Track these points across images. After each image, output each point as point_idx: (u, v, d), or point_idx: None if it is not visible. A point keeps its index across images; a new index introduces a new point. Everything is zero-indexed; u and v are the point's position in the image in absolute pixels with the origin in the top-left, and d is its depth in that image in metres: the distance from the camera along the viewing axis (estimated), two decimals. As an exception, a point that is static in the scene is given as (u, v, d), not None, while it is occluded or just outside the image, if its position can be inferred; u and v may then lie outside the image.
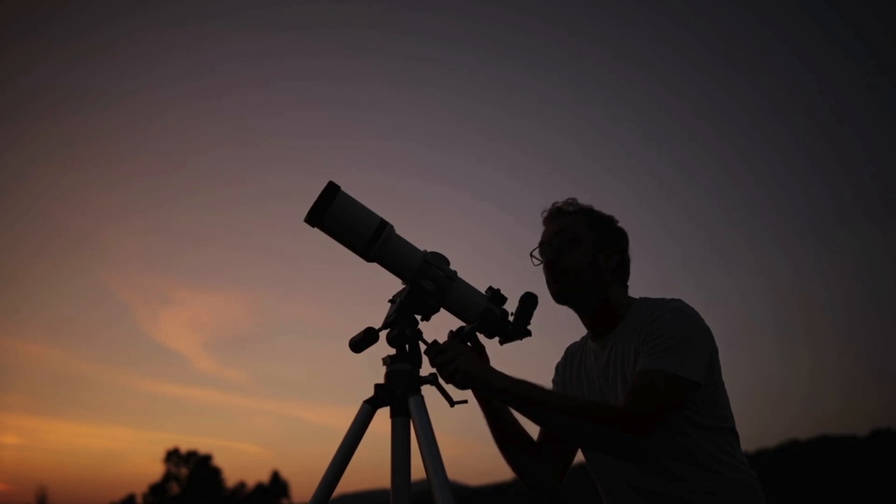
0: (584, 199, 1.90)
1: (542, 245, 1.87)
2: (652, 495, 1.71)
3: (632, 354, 1.72)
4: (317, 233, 1.67)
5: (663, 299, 1.77)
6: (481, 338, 1.82)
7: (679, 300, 1.75)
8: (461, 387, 1.64)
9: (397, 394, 1.62)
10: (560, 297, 1.84)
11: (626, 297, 1.85)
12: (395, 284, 1.78)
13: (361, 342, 1.65)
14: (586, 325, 1.90)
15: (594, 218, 1.87)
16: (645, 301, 1.82)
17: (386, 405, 1.64)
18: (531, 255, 1.89)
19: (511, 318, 1.79)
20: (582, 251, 1.82)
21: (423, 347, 1.69)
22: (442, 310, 1.75)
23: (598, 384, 1.83)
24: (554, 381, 2.02)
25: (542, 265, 1.86)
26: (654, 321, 1.69)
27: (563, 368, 2.00)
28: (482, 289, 1.80)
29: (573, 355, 1.97)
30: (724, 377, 1.78)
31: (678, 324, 1.67)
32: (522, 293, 1.81)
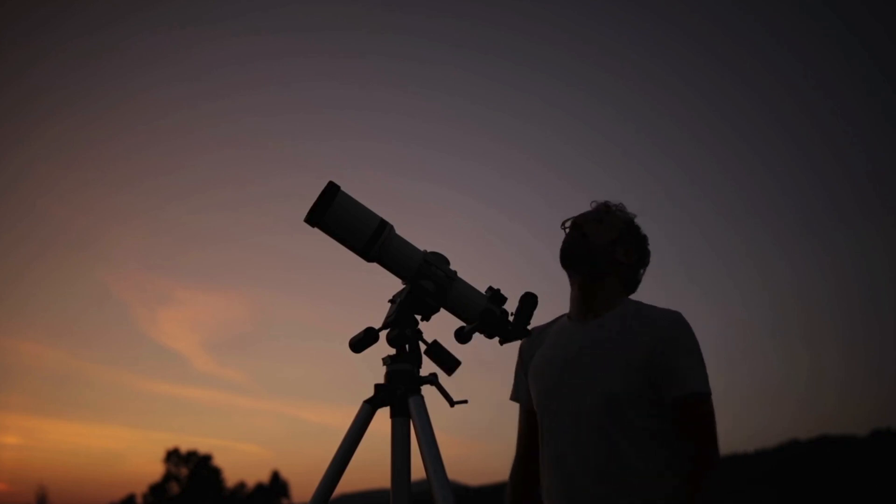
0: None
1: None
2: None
3: (637, 348, 1.81)
4: (317, 233, 1.67)
5: (666, 309, 1.88)
6: (481, 338, 1.82)
7: (680, 313, 1.87)
8: None
9: (397, 394, 1.62)
10: (567, 255, 1.94)
11: (620, 293, 1.95)
12: (394, 284, 1.78)
13: (361, 342, 1.65)
14: (575, 303, 1.97)
15: (630, 223, 1.99)
16: (642, 304, 1.92)
17: (386, 405, 1.64)
18: (562, 224, 2.01)
19: (511, 318, 1.79)
20: (606, 230, 1.94)
21: (423, 347, 1.69)
22: (442, 310, 1.75)
23: (572, 362, 1.88)
24: (520, 361, 2.08)
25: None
26: (679, 336, 1.81)
27: (528, 348, 2.05)
28: (482, 289, 1.80)
29: (538, 336, 2.04)
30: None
31: (695, 341, 1.83)
32: (522, 293, 1.81)
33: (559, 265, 2.02)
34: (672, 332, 1.82)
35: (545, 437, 1.92)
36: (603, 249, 1.92)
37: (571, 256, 1.94)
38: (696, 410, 1.79)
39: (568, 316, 2.02)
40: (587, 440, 1.81)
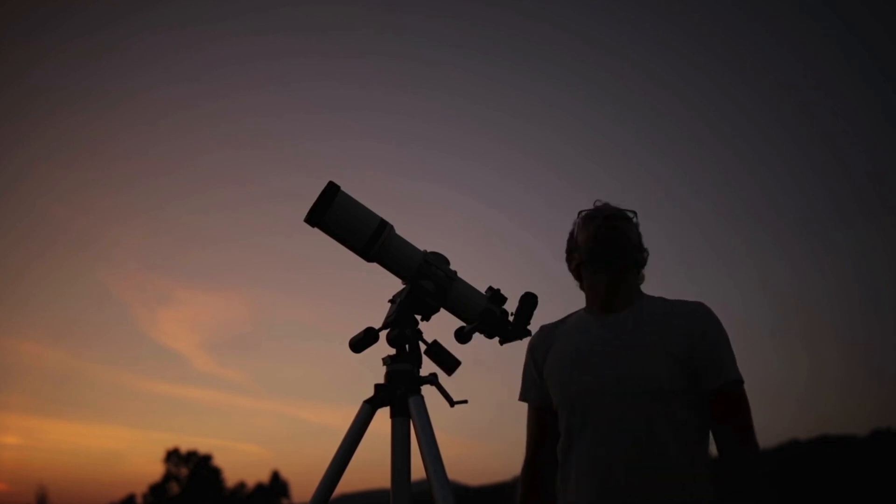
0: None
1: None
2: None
3: (678, 339, 1.83)
4: (317, 233, 1.67)
5: (694, 301, 1.92)
6: (481, 338, 1.82)
7: (704, 303, 1.92)
8: None
9: (397, 394, 1.62)
10: (616, 248, 1.92)
11: (639, 288, 1.98)
12: (395, 284, 1.78)
13: (361, 342, 1.65)
14: (598, 296, 1.95)
15: (638, 226, 2.04)
16: (664, 298, 1.95)
17: (386, 405, 1.64)
18: (581, 213, 2.02)
19: (511, 318, 1.79)
20: (634, 229, 1.99)
21: (423, 347, 1.69)
22: (442, 310, 1.75)
23: (609, 354, 1.87)
24: (532, 360, 2.04)
25: (582, 220, 2.00)
26: (713, 326, 1.86)
27: (541, 345, 2.02)
28: (482, 289, 1.80)
29: (550, 334, 2.01)
30: None
31: (724, 330, 1.89)
32: (522, 293, 1.81)
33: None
34: (709, 323, 1.87)
35: (575, 432, 1.89)
36: (636, 248, 1.97)
37: (620, 249, 1.93)
38: (735, 397, 1.84)
39: (587, 310, 2.00)
40: (626, 433, 1.80)
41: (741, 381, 1.84)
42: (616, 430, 1.80)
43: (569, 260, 2.04)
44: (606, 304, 1.93)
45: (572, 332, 1.97)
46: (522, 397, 2.08)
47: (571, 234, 2.05)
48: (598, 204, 2.02)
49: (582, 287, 2.02)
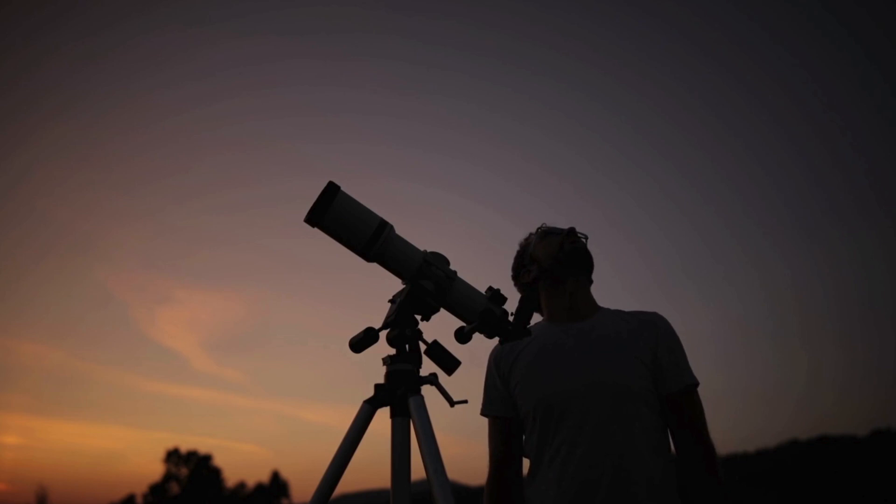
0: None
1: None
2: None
3: (644, 347, 1.94)
4: (317, 233, 1.67)
5: (651, 311, 2.04)
6: (481, 338, 1.82)
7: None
8: None
9: (397, 394, 1.62)
10: (577, 254, 2.05)
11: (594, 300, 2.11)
12: (395, 284, 1.78)
13: (361, 342, 1.65)
14: (563, 306, 2.04)
15: None
16: (620, 310, 2.07)
17: (386, 405, 1.64)
18: (572, 232, 2.14)
19: (511, 318, 1.79)
20: None
21: (423, 347, 1.69)
22: (442, 310, 1.75)
23: (582, 361, 1.95)
24: (496, 372, 2.08)
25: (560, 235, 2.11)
26: (673, 335, 1.99)
27: (504, 357, 2.07)
28: (482, 289, 1.80)
29: (513, 345, 2.06)
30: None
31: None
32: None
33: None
34: (670, 331, 1.99)
35: (551, 434, 1.92)
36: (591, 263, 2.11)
37: (587, 262, 2.07)
38: (692, 399, 1.96)
39: (549, 320, 2.07)
40: (611, 436, 1.85)
41: (697, 384, 1.97)
42: (601, 432, 1.86)
43: (522, 274, 2.13)
44: (573, 312, 2.02)
45: (540, 340, 2.01)
46: (485, 411, 2.11)
47: (523, 250, 2.15)
48: (544, 226, 2.14)
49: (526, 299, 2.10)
